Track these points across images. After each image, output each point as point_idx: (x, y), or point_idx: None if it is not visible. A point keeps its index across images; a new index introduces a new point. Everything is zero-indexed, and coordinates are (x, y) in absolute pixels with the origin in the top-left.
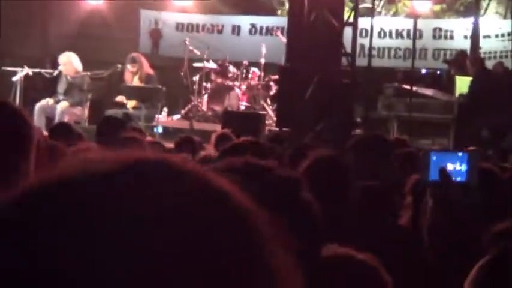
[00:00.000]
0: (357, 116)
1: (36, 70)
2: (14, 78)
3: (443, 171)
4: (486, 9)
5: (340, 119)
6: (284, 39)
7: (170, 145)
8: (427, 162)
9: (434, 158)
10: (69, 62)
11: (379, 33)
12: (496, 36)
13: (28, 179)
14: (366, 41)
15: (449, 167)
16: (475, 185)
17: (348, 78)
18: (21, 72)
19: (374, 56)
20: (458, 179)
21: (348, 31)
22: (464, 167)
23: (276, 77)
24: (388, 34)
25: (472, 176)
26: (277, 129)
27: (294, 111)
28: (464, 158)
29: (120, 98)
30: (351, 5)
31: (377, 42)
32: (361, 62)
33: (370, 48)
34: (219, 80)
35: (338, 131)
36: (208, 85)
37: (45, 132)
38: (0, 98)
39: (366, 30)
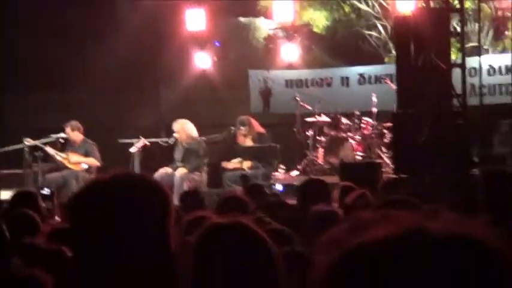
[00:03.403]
0: (473, 155)
1: (153, 140)
2: (132, 150)
3: None
4: None
5: (458, 160)
6: (393, 86)
7: (293, 201)
8: None
9: None
10: (184, 129)
11: (488, 70)
12: None
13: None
14: (475, 80)
15: None
16: None
17: (461, 118)
18: (138, 143)
19: (485, 94)
20: None
21: (456, 72)
22: None
23: (389, 124)
24: (497, 71)
25: None
26: (395, 176)
27: (410, 157)
28: None
29: (229, 165)
30: (457, 45)
31: (487, 79)
32: (472, 101)
33: (481, 86)
34: (333, 133)
35: (455, 173)
36: (322, 138)
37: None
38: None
39: (475, 69)
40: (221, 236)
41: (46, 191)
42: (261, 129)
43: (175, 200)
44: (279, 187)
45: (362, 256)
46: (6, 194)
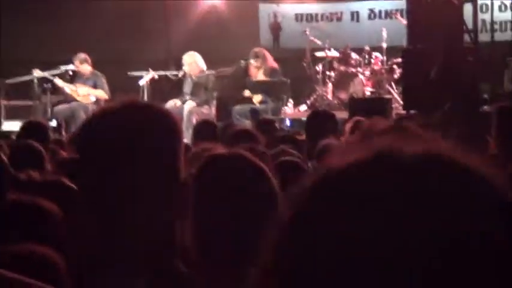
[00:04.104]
0: (483, 93)
1: (161, 73)
2: (141, 83)
3: None
4: None
5: (467, 97)
6: (404, 21)
7: (302, 137)
8: None
9: None
10: (194, 62)
11: (500, 7)
12: None
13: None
14: (486, 16)
15: None
16: None
17: (472, 55)
18: (147, 76)
19: (496, 30)
20: None
21: (467, 8)
22: None
23: (399, 60)
24: (509, 7)
25: None
26: (405, 112)
27: (420, 92)
28: None
29: (246, 94)
30: None
31: (498, 16)
32: (484, 37)
33: (492, 23)
34: (342, 68)
35: (465, 109)
36: (332, 74)
37: None
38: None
39: (486, 5)
40: (218, 166)
41: (54, 123)
42: (274, 64)
43: (184, 133)
44: (287, 122)
45: (328, 184)
46: (15, 125)
